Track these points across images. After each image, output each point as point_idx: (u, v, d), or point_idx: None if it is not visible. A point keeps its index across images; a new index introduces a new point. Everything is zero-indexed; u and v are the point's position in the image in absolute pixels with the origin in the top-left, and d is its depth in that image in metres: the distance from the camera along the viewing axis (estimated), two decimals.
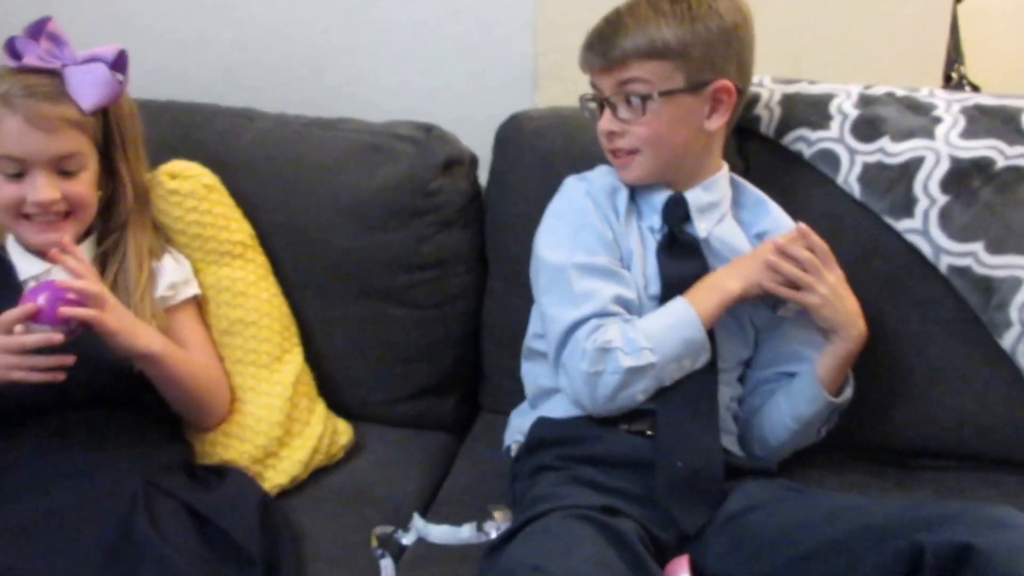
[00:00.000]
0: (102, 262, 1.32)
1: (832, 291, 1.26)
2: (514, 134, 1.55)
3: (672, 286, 1.29)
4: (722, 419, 1.30)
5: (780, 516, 1.16)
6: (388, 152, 1.51)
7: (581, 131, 1.43)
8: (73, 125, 1.24)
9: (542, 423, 1.33)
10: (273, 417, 1.38)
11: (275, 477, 1.37)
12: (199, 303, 1.42)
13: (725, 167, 1.37)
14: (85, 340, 1.19)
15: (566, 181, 1.39)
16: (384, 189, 1.49)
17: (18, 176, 1.24)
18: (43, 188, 1.23)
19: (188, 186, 1.41)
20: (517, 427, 1.39)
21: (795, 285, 1.26)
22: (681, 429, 1.23)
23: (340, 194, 1.50)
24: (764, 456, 1.35)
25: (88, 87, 1.24)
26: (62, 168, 1.25)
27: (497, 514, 1.29)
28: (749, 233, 1.36)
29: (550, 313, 1.30)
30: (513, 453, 1.37)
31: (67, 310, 1.14)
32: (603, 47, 1.29)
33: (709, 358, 1.26)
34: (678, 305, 1.26)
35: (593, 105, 1.34)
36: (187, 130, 1.55)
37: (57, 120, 1.23)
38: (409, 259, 1.51)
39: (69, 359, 1.15)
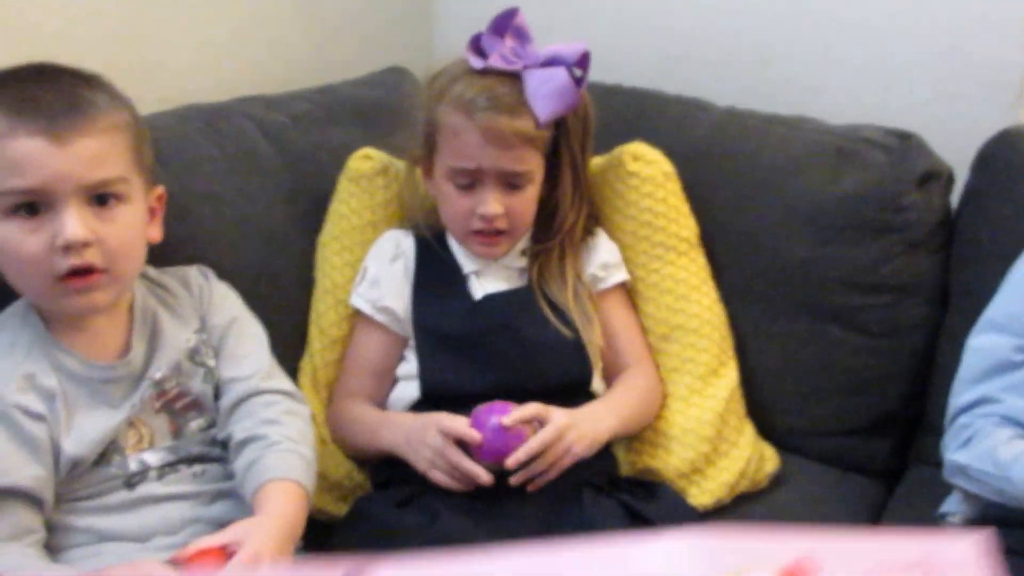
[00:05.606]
0: (533, 258, 1.30)
1: None
2: (1004, 153, 1.35)
3: None
4: None
5: None
6: (856, 158, 1.38)
7: None
8: (527, 142, 1.20)
9: (994, 503, 1.15)
10: (703, 431, 1.29)
11: (699, 496, 1.27)
12: (627, 288, 1.36)
13: None
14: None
15: None
16: (848, 199, 1.36)
17: (469, 188, 1.22)
18: (491, 202, 1.21)
19: (648, 171, 1.35)
20: (963, 496, 1.21)
21: None
22: None
23: (797, 199, 1.38)
24: None
25: (545, 98, 1.18)
26: (510, 182, 1.22)
27: None
28: None
29: (953, 387, 1.21)
30: (954, 522, 1.20)
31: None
32: None
33: None
34: None
35: None
36: (638, 115, 1.49)
37: (513, 136, 1.19)
38: (865, 279, 1.37)
39: (485, 479, 1.13)
